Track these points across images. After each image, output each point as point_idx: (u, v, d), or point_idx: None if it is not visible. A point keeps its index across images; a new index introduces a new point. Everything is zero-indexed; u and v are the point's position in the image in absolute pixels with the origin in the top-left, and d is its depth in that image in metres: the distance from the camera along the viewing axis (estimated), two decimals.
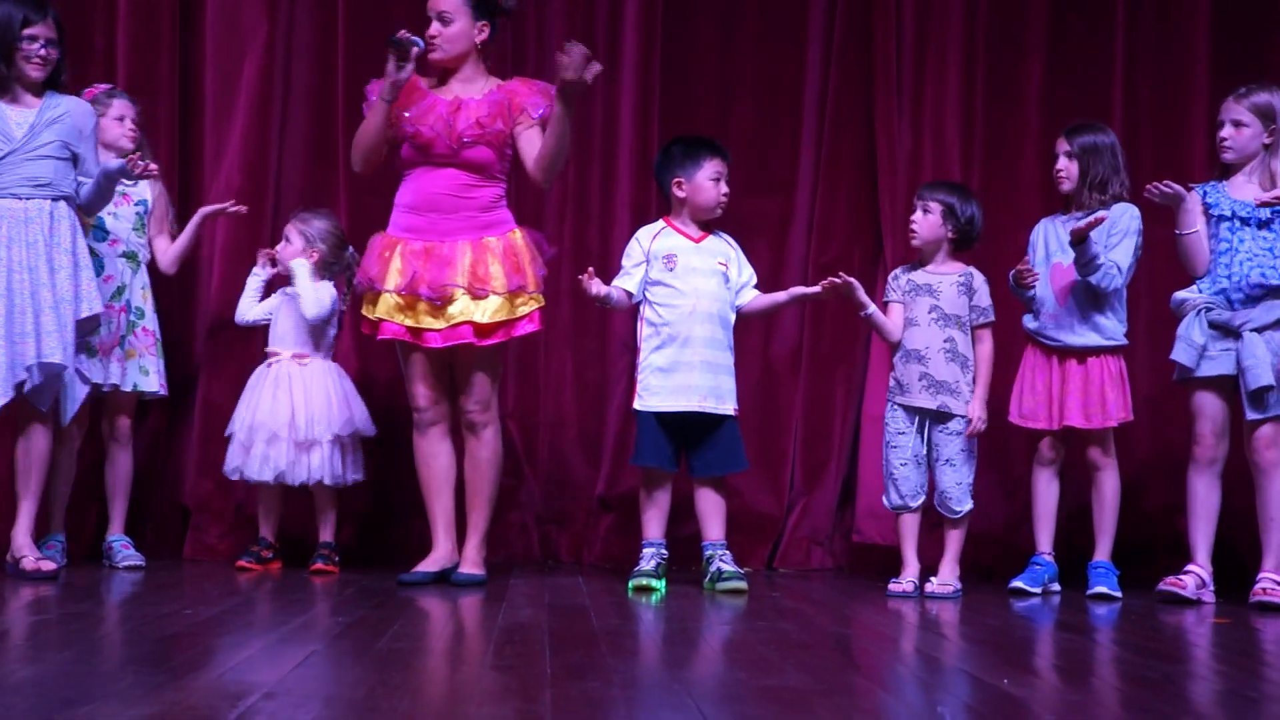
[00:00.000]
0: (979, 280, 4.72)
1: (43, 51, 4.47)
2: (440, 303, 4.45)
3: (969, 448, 4.68)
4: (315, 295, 4.91)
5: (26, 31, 4.45)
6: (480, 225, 4.51)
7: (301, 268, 4.94)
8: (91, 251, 4.83)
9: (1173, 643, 3.82)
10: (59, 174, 4.47)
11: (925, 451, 4.69)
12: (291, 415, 4.89)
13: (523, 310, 4.51)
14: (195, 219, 5.06)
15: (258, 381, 5.00)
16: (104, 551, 4.95)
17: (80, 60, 5.17)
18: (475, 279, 4.44)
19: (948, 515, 4.69)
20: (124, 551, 4.89)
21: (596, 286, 4.49)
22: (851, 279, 4.61)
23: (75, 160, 4.50)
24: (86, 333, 4.59)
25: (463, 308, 4.45)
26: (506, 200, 4.62)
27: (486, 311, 4.46)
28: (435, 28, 4.50)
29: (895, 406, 4.74)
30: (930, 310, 4.70)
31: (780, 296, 4.75)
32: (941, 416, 4.67)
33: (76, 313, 4.45)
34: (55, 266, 4.42)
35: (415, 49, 4.40)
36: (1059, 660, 3.52)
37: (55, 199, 4.45)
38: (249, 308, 5.12)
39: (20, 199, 4.42)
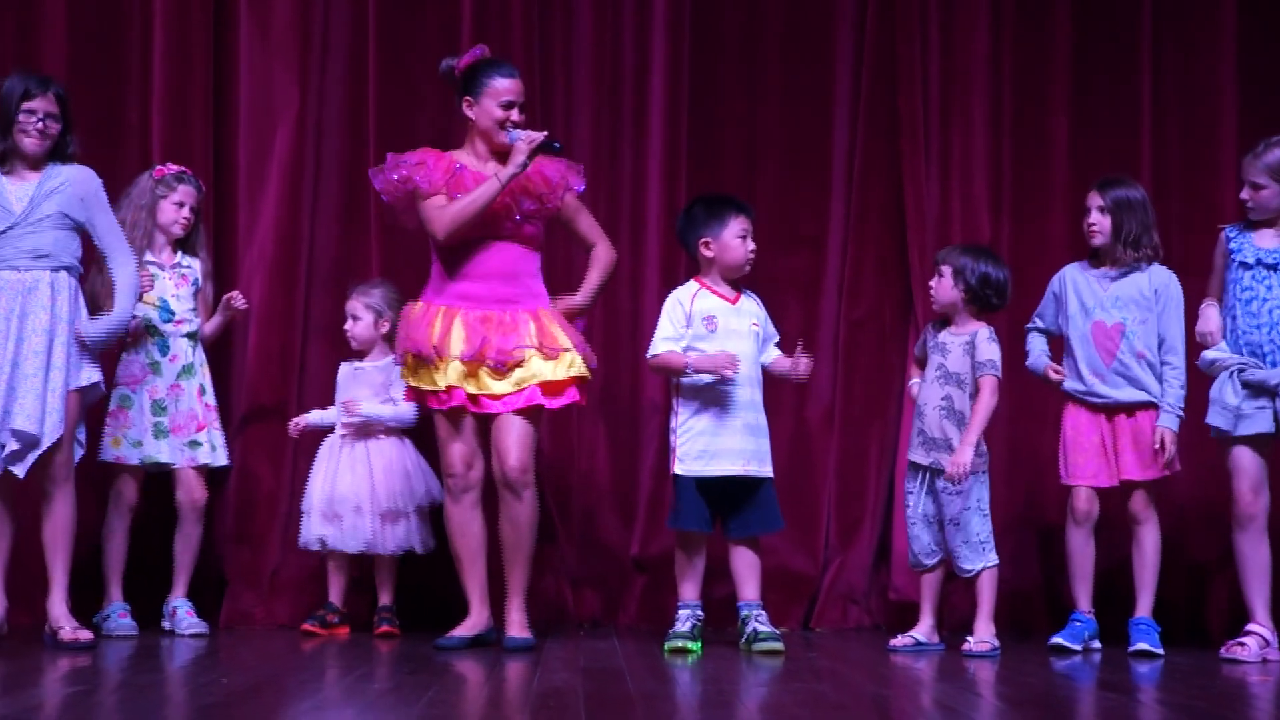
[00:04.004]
0: (982, 337, 4.67)
1: (40, 125, 4.50)
2: (505, 368, 4.51)
3: (974, 505, 4.63)
4: (398, 413, 4.96)
5: (26, 105, 4.48)
6: (533, 295, 4.64)
7: (374, 409, 4.98)
8: (156, 332, 4.91)
9: (1217, 701, 3.76)
10: (59, 245, 4.50)
11: (935, 510, 4.68)
12: (372, 488, 4.94)
13: (584, 372, 4.59)
14: (225, 308, 5.07)
15: (331, 454, 5.04)
16: (167, 613, 4.96)
17: (115, 135, 5.26)
18: (545, 340, 4.54)
19: (959, 575, 4.66)
20: (189, 619, 4.91)
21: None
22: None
23: (80, 230, 4.53)
24: (87, 401, 4.59)
25: (535, 370, 4.52)
26: None
27: (559, 369, 4.54)
28: (518, 116, 4.60)
29: (909, 464, 4.74)
30: (937, 368, 4.71)
31: (783, 365, 4.69)
32: (939, 473, 4.65)
33: (72, 381, 4.47)
34: (54, 335, 4.44)
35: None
36: None
37: (55, 269, 4.48)
38: (326, 421, 5.11)
39: (19, 270, 4.46)
